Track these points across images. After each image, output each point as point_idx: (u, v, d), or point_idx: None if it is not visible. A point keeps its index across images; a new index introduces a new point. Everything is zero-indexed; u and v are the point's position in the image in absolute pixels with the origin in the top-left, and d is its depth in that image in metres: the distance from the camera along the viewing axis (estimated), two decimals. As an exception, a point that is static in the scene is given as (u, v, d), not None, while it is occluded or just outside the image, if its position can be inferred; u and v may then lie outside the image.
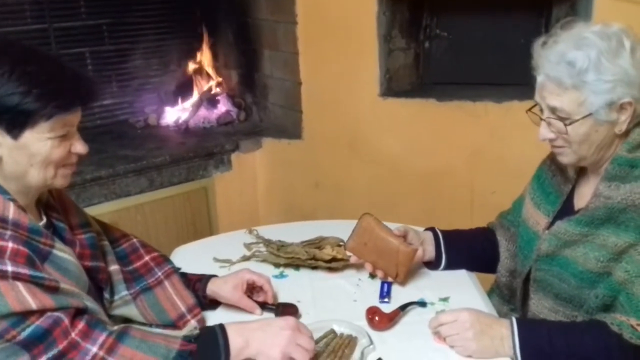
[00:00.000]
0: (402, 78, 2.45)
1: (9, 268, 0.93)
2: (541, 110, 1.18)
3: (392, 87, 2.41)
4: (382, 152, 2.43)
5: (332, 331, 1.17)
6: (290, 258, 1.43)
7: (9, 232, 0.97)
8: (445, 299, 1.29)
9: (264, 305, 1.27)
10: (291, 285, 1.38)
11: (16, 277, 0.94)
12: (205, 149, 2.58)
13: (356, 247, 1.36)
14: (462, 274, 1.41)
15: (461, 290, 1.33)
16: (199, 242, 1.66)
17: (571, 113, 1.13)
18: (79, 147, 1.07)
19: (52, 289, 0.97)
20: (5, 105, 0.96)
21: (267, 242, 1.53)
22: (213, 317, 1.26)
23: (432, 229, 1.46)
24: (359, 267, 1.41)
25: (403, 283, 1.36)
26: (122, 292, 1.21)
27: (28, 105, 0.97)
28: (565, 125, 1.14)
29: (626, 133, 1.15)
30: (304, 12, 2.46)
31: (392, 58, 2.39)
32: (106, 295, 1.19)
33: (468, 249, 1.45)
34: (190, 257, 1.49)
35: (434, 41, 2.48)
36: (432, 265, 1.42)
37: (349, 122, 2.47)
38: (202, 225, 2.60)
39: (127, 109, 2.93)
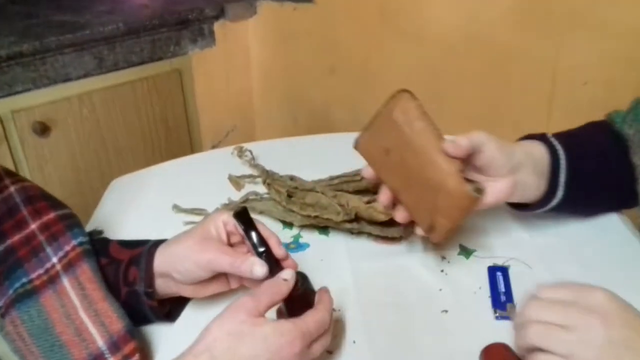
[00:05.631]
0: None
1: None
2: None
3: None
4: (426, 22, 1.81)
5: None
6: (315, 217, 0.77)
7: None
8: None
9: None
10: (314, 263, 0.75)
11: None
12: (177, 15, 1.94)
13: (370, 149, 0.70)
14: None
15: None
16: (149, 169, 0.98)
17: None
18: None
19: None
20: None
21: (271, 178, 0.86)
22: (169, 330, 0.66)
23: (541, 137, 0.78)
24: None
25: (439, 243, 0.73)
26: None
27: None
28: None
29: None
30: None
31: None
32: None
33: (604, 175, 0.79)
34: (131, 204, 0.86)
35: None
36: (535, 205, 0.77)
37: (380, -22, 1.80)
38: (177, 121, 2.01)
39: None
